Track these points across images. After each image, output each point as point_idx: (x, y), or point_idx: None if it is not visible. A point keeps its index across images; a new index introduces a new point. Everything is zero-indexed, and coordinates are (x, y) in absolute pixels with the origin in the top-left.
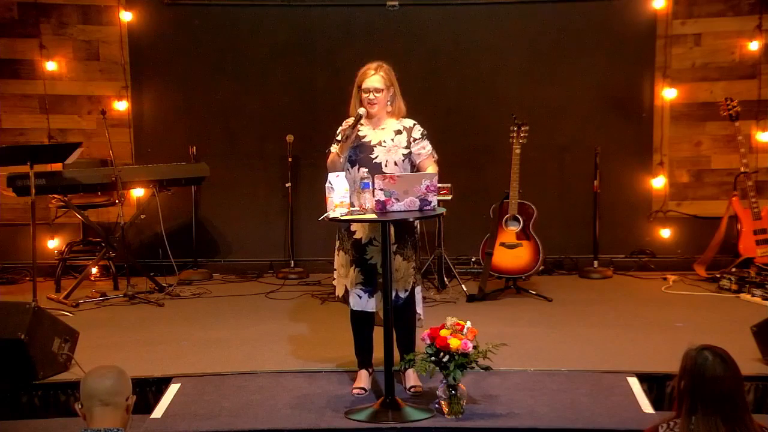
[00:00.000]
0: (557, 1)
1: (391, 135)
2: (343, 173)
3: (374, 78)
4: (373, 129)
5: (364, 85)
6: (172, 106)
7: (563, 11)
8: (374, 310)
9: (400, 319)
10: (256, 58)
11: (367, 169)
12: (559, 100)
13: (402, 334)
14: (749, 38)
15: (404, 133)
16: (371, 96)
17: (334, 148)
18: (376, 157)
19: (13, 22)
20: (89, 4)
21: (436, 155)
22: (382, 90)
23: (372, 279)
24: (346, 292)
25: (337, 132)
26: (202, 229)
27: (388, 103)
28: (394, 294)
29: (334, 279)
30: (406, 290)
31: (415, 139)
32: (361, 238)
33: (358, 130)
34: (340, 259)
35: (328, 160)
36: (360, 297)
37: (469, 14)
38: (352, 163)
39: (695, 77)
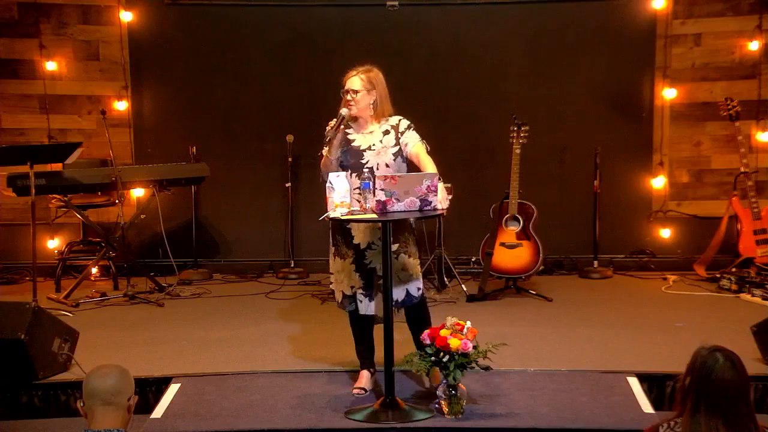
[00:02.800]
0: (557, 1)
1: (380, 137)
2: (344, 173)
3: (353, 79)
4: (362, 134)
5: (345, 86)
6: (172, 106)
7: (563, 11)
8: (374, 314)
9: (418, 317)
10: (256, 58)
11: (357, 175)
12: (559, 100)
13: (420, 332)
14: (749, 38)
15: (392, 132)
16: (348, 96)
17: (325, 151)
18: (366, 162)
19: (13, 22)
20: (89, 4)
21: (427, 145)
22: (359, 91)
23: (371, 283)
24: (344, 297)
25: (325, 134)
26: (202, 229)
27: (371, 106)
28: (405, 293)
29: (331, 283)
30: (419, 288)
31: (402, 132)
32: (359, 243)
33: (345, 131)
34: (336, 264)
35: (321, 163)
36: (361, 302)
37: (469, 14)
38: (344, 169)
39: (695, 77)
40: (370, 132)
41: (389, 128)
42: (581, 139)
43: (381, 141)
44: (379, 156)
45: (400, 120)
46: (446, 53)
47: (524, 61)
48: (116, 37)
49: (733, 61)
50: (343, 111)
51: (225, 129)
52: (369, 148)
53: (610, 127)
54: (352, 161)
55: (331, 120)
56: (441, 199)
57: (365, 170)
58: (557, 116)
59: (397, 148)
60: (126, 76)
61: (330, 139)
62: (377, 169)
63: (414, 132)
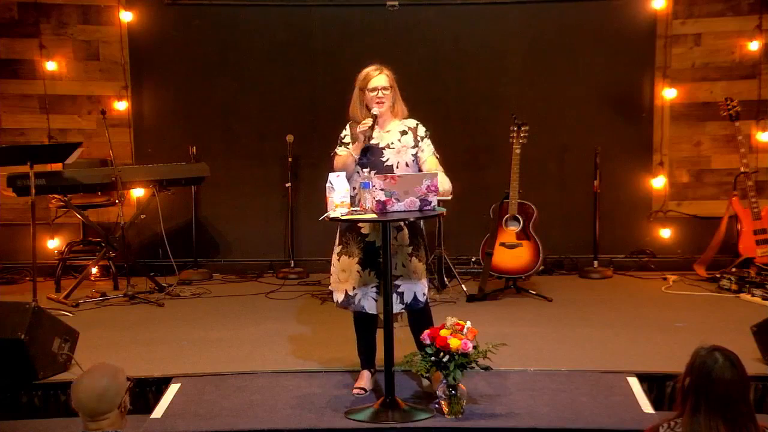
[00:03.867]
0: (557, 1)
1: (398, 136)
2: (344, 173)
3: (380, 77)
4: (380, 131)
5: (371, 85)
6: (172, 106)
7: (563, 11)
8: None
9: (421, 322)
10: (255, 58)
11: (376, 172)
12: (559, 100)
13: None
14: (749, 38)
15: (410, 133)
16: (380, 94)
17: (341, 151)
18: (386, 160)
19: (13, 22)
20: (89, 4)
21: (437, 155)
22: (389, 88)
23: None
24: (347, 296)
25: (342, 135)
26: (202, 229)
27: (392, 104)
28: (412, 295)
29: (330, 285)
30: (424, 294)
31: (421, 138)
32: (374, 241)
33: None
34: (341, 263)
35: (339, 163)
36: (375, 300)
37: (469, 14)
38: (362, 166)
39: (695, 77)
40: (388, 131)
41: (407, 129)
42: (581, 139)
43: (399, 140)
44: (399, 155)
45: (418, 124)
46: (446, 53)
47: (524, 61)
48: (116, 37)
49: (733, 61)
50: (375, 110)
51: (225, 129)
52: (388, 146)
53: (610, 127)
54: (371, 159)
55: (366, 120)
56: (443, 181)
57: (365, 171)
58: (557, 116)
59: (415, 150)
60: (126, 76)
61: (367, 137)
62: (397, 167)
63: (430, 141)
